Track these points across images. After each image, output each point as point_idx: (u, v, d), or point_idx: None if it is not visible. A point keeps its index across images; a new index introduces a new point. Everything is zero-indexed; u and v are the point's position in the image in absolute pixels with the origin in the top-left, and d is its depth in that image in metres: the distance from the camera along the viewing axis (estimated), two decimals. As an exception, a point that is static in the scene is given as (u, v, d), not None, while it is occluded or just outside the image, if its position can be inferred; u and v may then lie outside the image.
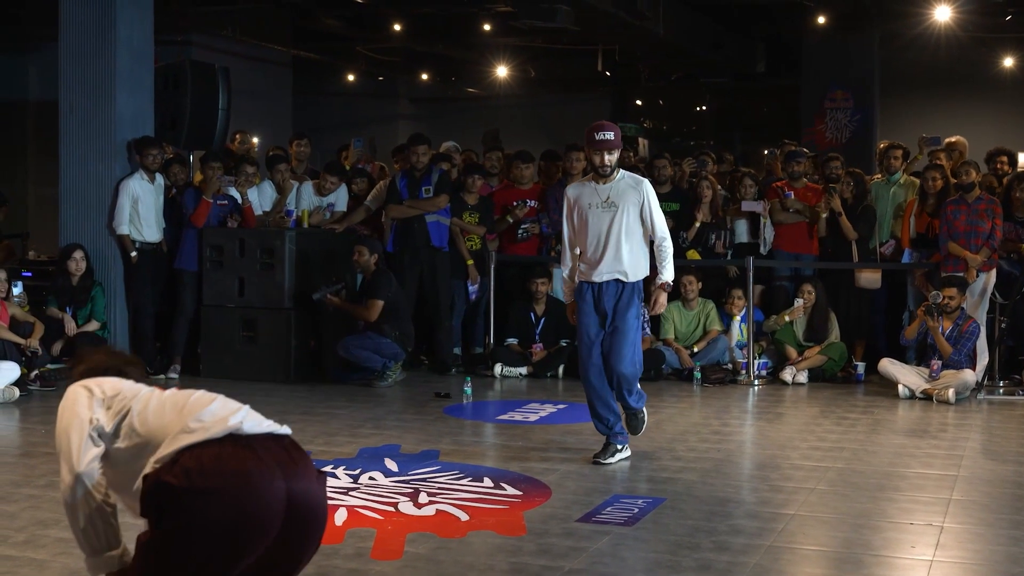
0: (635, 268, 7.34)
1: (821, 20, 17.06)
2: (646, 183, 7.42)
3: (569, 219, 7.46)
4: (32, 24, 15.40)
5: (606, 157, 7.26)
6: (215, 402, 3.88)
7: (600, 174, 7.33)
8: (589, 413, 7.58)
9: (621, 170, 7.43)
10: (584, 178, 7.60)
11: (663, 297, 7.46)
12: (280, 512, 3.60)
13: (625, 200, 7.29)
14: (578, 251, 7.45)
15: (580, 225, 7.40)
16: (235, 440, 3.70)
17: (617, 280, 7.29)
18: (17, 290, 10.55)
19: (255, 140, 14.87)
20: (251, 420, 3.82)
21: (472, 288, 11.66)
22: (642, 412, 7.63)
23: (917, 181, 11.47)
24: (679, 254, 11.63)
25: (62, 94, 11.28)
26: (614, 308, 7.28)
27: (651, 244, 7.48)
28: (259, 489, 3.55)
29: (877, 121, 18.13)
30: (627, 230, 7.27)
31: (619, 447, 7.45)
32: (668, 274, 7.42)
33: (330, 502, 6.29)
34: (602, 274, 7.29)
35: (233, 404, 3.90)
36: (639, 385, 7.57)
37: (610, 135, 7.23)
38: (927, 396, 9.93)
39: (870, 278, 11.31)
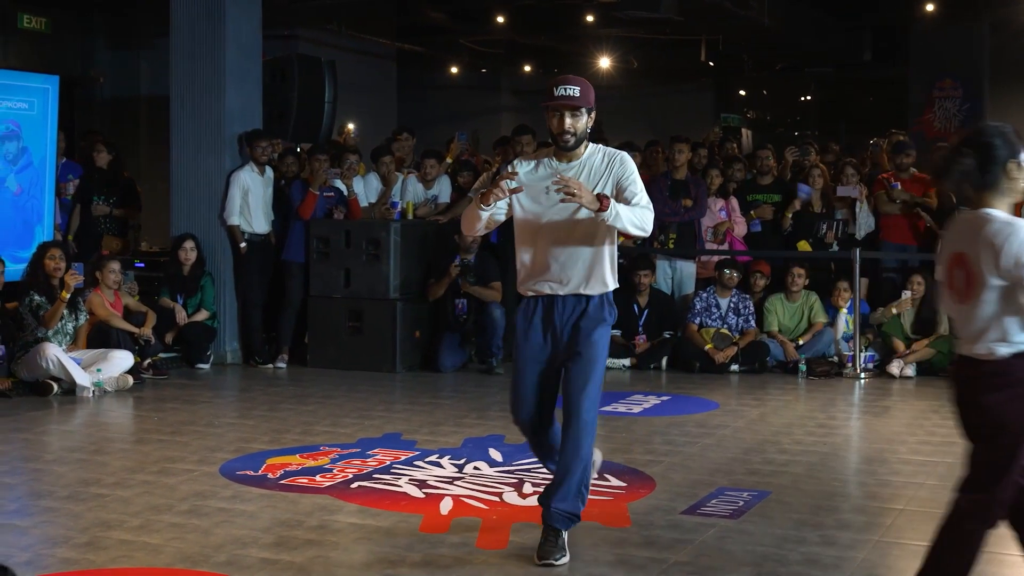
0: (602, 277, 5.31)
1: (929, 8, 16.77)
2: (625, 157, 5.35)
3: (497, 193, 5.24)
4: (143, 21, 15.73)
5: (567, 120, 5.17)
6: None
7: (560, 145, 5.25)
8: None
9: (591, 144, 5.33)
10: (539, 152, 5.59)
11: (586, 193, 5.01)
12: None
13: (596, 184, 5.23)
14: (526, 257, 5.37)
15: (526, 218, 5.34)
16: None
17: (578, 295, 5.29)
18: (128, 280, 10.83)
19: (351, 126, 15.03)
20: None
21: (575, 280, 11.66)
22: (576, 519, 5.30)
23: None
24: (782, 243, 11.58)
25: (173, 89, 11.51)
26: (573, 329, 5.27)
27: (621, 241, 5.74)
28: None
29: (987, 110, 17.78)
30: (595, 227, 5.22)
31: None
32: (619, 209, 5.09)
33: (435, 491, 6.38)
34: (556, 286, 5.28)
35: None
36: (589, 475, 5.40)
37: (574, 90, 5.16)
38: (1039, 390, 9.73)
39: None
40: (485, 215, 5.28)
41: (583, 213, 5.14)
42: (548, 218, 5.26)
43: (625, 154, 5.37)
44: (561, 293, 5.28)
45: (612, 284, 5.34)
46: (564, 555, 5.16)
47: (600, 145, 5.41)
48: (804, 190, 11.58)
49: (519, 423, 5.40)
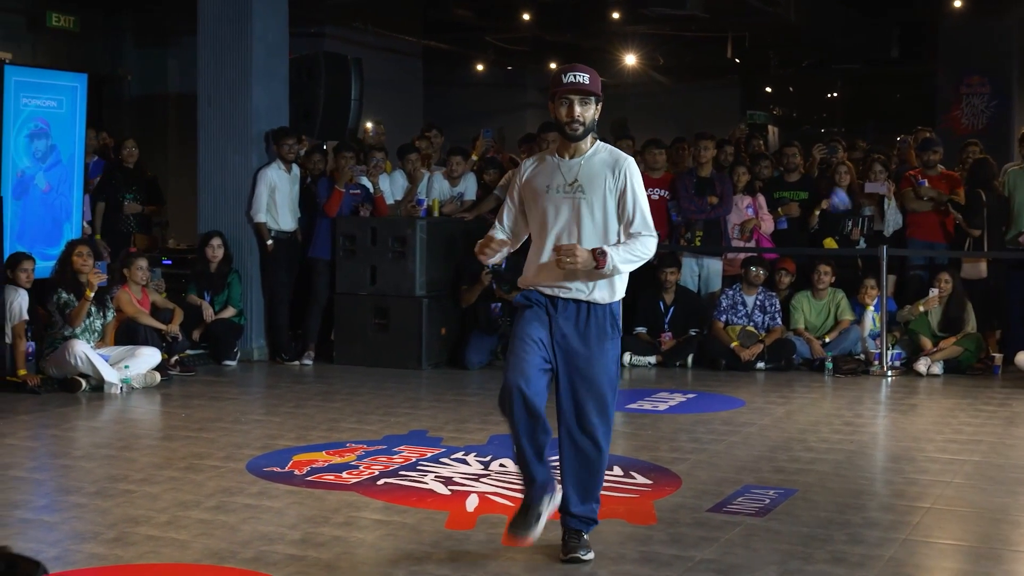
0: (608, 284, 5.12)
1: (957, 3, 16.70)
2: (630, 166, 5.11)
3: (511, 196, 5.33)
4: (171, 20, 15.82)
5: (576, 108, 5.04)
6: None
7: (568, 135, 5.09)
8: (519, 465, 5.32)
9: (599, 142, 5.20)
10: (546, 150, 5.48)
11: (582, 255, 4.94)
12: None
13: (596, 184, 5.08)
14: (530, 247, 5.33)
15: (531, 215, 5.25)
16: None
17: (578, 301, 5.12)
18: (155, 277, 10.88)
19: (369, 125, 15.08)
20: None
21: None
22: (594, 522, 5.26)
23: (1057, 169, 11.20)
24: (808, 240, 11.54)
25: (200, 87, 11.55)
26: (575, 347, 5.10)
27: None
28: None
29: (1016, 107, 17.69)
30: (595, 227, 5.09)
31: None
32: (617, 260, 4.99)
33: (461, 488, 6.39)
34: (560, 289, 5.13)
35: None
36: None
37: (584, 77, 5.05)
38: (1068, 389, 9.70)
39: (969, 269, 11.11)
40: (491, 261, 5.55)
41: (588, 217, 5.06)
42: (552, 219, 5.12)
43: (631, 161, 5.15)
44: (563, 297, 5.11)
45: (619, 293, 5.16)
46: (589, 550, 5.16)
47: (607, 144, 5.24)
48: (842, 198, 11.47)
49: (509, 398, 5.02)
